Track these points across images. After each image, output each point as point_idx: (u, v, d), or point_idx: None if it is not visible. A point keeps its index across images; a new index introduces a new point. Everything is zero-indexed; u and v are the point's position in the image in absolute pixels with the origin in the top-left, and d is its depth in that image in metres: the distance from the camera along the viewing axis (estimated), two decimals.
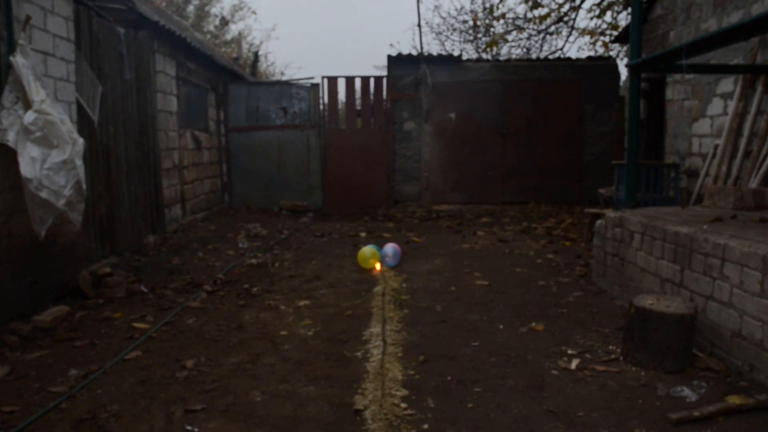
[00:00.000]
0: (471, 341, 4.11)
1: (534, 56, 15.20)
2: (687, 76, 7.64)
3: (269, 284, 5.76)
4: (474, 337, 4.20)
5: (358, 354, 3.90)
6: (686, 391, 3.23)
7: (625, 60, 11.51)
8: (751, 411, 3.00)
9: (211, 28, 21.94)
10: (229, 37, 22.39)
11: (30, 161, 4.35)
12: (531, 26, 14.73)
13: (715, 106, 7.12)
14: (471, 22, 15.79)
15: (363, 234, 8.79)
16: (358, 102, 12.25)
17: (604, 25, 14.01)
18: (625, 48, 12.58)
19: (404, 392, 3.28)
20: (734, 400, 3.07)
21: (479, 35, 16.00)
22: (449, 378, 3.49)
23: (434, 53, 11.94)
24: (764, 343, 3.26)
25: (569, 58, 12.59)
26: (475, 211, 11.08)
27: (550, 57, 14.54)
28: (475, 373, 3.56)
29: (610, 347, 3.94)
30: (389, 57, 11.64)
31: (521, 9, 22.93)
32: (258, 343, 4.13)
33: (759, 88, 6.24)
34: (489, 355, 3.85)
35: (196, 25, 20.13)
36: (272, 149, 11.68)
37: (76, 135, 4.85)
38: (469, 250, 7.48)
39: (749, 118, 6.31)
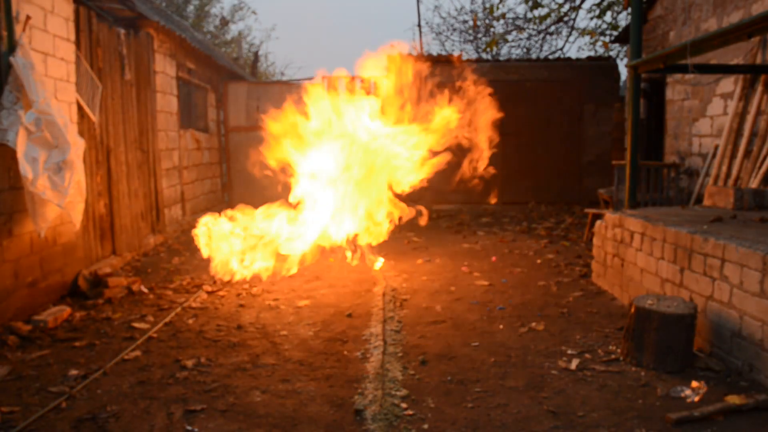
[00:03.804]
0: (471, 341, 4.11)
1: (534, 56, 15.19)
2: (687, 76, 7.64)
3: (269, 284, 5.76)
4: (474, 337, 4.20)
5: (358, 354, 3.90)
6: (686, 391, 3.23)
7: (625, 60, 11.50)
8: (751, 411, 3.00)
9: (211, 28, 21.93)
10: (229, 37, 22.39)
11: (30, 161, 4.35)
12: (531, 26, 14.73)
13: (715, 106, 7.12)
14: (471, 23, 15.79)
15: None
16: None
17: (604, 25, 14.02)
18: (625, 48, 12.58)
19: (404, 392, 3.28)
20: (734, 400, 3.06)
21: (479, 35, 16.00)
22: (449, 378, 3.49)
23: (434, 53, 11.93)
24: (764, 343, 3.26)
25: (569, 58, 12.58)
26: (475, 211, 11.07)
27: (550, 57, 14.53)
28: (475, 373, 3.56)
29: (610, 347, 3.94)
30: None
31: (521, 9, 22.96)
32: (258, 343, 4.13)
33: (759, 88, 6.24)
34: (489, 355, 3.85)
35: (196, 25, 20.12)
36: None
37: (76, 135, 4.85)
38: (469, 250, 7.48)
39: (749, 118, 6.31)
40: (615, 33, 12.94)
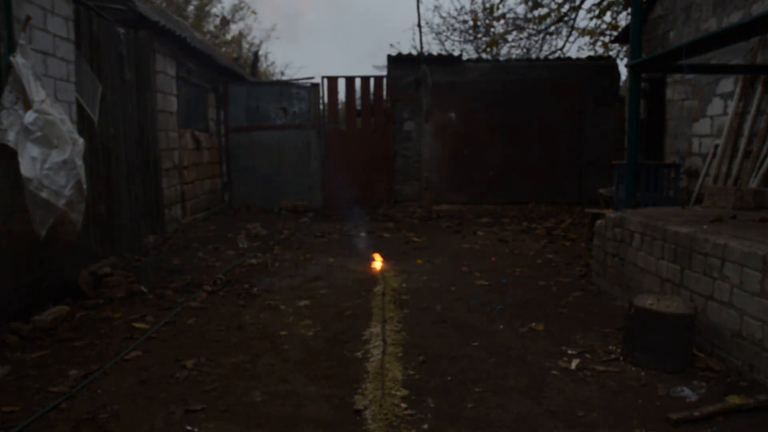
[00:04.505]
0: (471, 341, 4.11)
1: (534, 56, 15.19)
2: (687, 76, 7.64)
3: (269, 284, 5.76)
4: (474, 337, 4.20)
5: (358, 354, 3.90)
6: (686, 391, 3.23)
7: (625, 60, 11.51)
8: (751, 411, 3.00)
9: (211, 28, 21.94)
10: (229, 37, 22.40)
11: (30, 161, 4.35)
12: (531, 26, 14.73)
13: (715, 106, 7.12)
14: (471, 22, 15.79)
15: (363, 234, 8.79)
16: (358, 102, 12.25)
17: (604, 25, 14.01)
18: (625, 48, 12.58)
19: (404, 392, 3.28)
20: (734, 400, 3.06)
21: (479, 35, 16.00)
22: (449, 378, 3.49)
23: (434, 53, 11.95)
24: (764, 343, 3.26)
25: (569, 58, 12.58)
26: (475, 211, 11.08)
27: (550, 57, 14.54)
28: (475, 373, 3.56)
29: (610, 347, 3.94)
30: (389, 57, 11.63)
31: (521, 9, 22.90)
32: (258, 343, 4.13)
33: (759, 88, 6.24)
34: (489, 355, 3.85)
35: (196, 25, 20.13)
36: (272, 149, 11.67)
37: (76, 135, 4.86)
38: (469, 250, 7.48)
39: (749, 118, 6.31)
40: (615, 33, 12.93)
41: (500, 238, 8.15)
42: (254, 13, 31.89)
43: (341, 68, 45.48)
